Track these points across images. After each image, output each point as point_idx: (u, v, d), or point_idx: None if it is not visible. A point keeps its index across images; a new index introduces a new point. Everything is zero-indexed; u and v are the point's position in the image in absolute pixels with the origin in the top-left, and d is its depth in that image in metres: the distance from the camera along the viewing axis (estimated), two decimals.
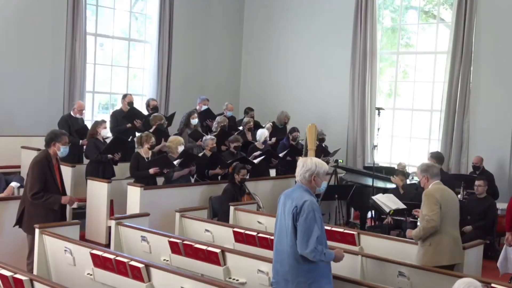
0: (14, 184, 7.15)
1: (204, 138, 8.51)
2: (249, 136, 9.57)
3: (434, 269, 5.03)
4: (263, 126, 9.96)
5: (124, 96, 9.41)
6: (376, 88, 11.54)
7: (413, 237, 5.40)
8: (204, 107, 9.89)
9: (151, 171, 7.43)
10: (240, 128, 9.89)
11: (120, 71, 11.68)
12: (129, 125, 8.83)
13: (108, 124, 8.65)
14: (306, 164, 4.25)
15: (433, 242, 5.19)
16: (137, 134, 8.59)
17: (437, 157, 7.13)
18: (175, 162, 7.62)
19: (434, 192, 5.27)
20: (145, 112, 9.55)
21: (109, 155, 7.87)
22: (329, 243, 5.81)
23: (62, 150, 5.79)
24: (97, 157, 7.87)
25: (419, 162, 7.11)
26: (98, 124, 8.20)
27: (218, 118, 9.33)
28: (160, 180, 7.88)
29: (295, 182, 4.43)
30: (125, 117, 8.89)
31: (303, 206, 4.03)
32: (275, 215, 7.07)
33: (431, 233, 5.19)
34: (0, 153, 8.83)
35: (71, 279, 5.12)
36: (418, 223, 5.45)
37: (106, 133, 8.26)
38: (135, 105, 9.49)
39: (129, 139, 8.67)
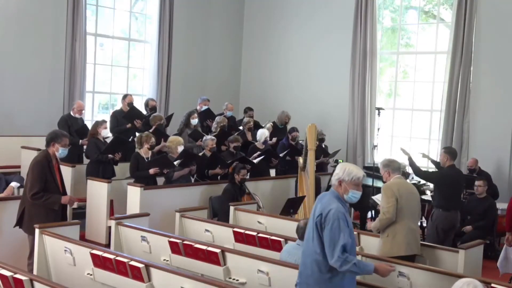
0: (14, 184, 7.14)
1: (204, 138, 8.51)
2: (249, 136, 9.57)
3: (434, 269, 5.04)
4: (263, 126, 9.96)
5: (125, 96, 9.41)
6: (376, 88, 11.54)
7: (372, 229, 5.74)
8: (204, 107, 9.89)
9: (151, 171, 7.43)
10: (240, 128, 9.89)
11: (120, 71, 11.68)
12: (129, 125, 8.84)
13: (108, 124, 8.65)
14: (338, 168, 4.07)
15: (390, 234, 5.49)
16: (137, 134, 8.59)
17: (450, 152, 7.16)
18: (175, 162, 7.62)
19: (392, 186, 5.55)
20: (145, 112, 9.55)
21: (110, 155, 7.87)
22: None
23: (60, 151, 5.77)
24: (98, 157, 7.87)
25: (419, 162, 7.15)
26: (98, 124, 8.21)
27: (217, 118, 9.32)
28: (160, 180, 7.88)
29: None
30: (125, 117, 8.89)
31: (327, 215, 3.86)
32: (275, 215, 7.16)
33: (387, 224, 5.49)
34: (0, 153, 8.83)
35: (71, 279, 5.12)
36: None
37: (107, 133, 8.26)
38: (136, 106, 9.48)
39: (130, 139, 8.66)
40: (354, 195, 3.99)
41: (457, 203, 7.17)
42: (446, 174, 7.08)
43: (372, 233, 6.45)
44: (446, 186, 6.99)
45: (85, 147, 8.37)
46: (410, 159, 7.46)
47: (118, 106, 10.01)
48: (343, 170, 4.00)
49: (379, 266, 4.06)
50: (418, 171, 7.31)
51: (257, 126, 10.05)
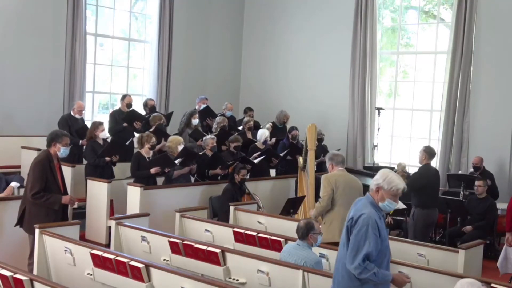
0: (14, 184, 7.14)
1: (204, 137, 8.50)
2: (249, 135, 9.57)
3: (434, 269, 5.04)
4: (262, 126, 9.96)
5: (123, 97, 9.39)
6: (376, 88, 11.54)
7: (312, 216, 6.17)
8: (203, 106, 9.88)
9: (152, 170, 7.43)
10: (240, 128, 9.89)
11: (120, 71, 11.68)
12: (125, 124, 8.79)
13: (106, 125, 8.64)
14: (379, 174, 3.98)
15: (327, 221, 6.01)
16: (136, 135, 8.58)
17: (429, 152, 7.35)
18: (176, 161, 7.62)
19: (330, 177, 6.06)
20: (143, 112, 9.55)
21: (107, 158, 7.85)
22: None
23: (62, 151, 5.80)
24: (95, 161, 7.86)
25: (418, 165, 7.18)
26: (95, 127, 8.14)
27: (217, 119, 9.33)
28: (160, 180, 7.88)
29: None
30: (125, 120, 8.86)
31: (358, 219, 3.77)
32: (275, 215, 7.16)
33: (322, 212, 6.04)
34: (0, 153, 8.83)
35: (71, 279, 5.12)
36: None
37: (105, 135, 8.22)
38: (135, 106, 9.47)
39: (128, 142, 8.62)
40: (390, 205, 3.89)
41: (435, 201, 7.32)
42: (422, 174, 7.23)
43: None
44: (423, 185, 7.14)
45: (85, 147, 8.36)
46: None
47: (118, 106, 10.00)
48: (384, 178, 3.90)
49: (397, 276, 3.94)
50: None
51: (257, 126, 10.05)
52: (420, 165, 7.42)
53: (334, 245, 5.33)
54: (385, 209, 3.91)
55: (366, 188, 8.87)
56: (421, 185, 7.14)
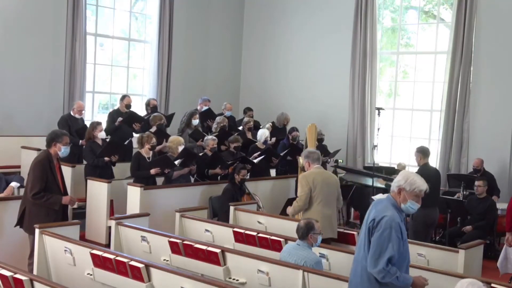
0: (14, 184, 7.14)
1: (205, 138, 8.50)
2: (249, 135, 9.57)
3: (434, 269, 5.04)
4: (262, 126, 9.96)
5: (123, 97, 9.37)
6: (376, 88, 11.53)
7: (289, 213, 6.44)
8: (205, 108, 9.89)
9: (152, 171, 7.43)
10: (240, 128, 9.89)
11: (120, 71, 11.68)
12: (119, 121, 8.76)
13: (104, 124, 8.62)
14: (401, 175, 3.91)
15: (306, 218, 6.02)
16: (135, 135, 8.57)
17: (422, 151, 7.36)
18: (176, 162, 7.62)
19: (308, 176, 6.15)
20: (145, 112, 9.53)
21: (106, 158, 7.84)
22: None
23: (63, 150, 5.80)
24: (94, 162, 7.85)
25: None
26: (93, 127, 8.10)
27: (217, 119, 9.33)
28: (160, 180, 7.88)
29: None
30: (124, 121, 8.84)
31: (380, 221, 3.71)
32: (275, 215, 7.16)
33: (300, 211, 6.20)
34: (0, 153, 8.83)
35: (71, 279, 5.12)
36: None
37: (103, 135, 8.21)
38: (135, 106, 9.46)
39: (126, 142, 8.60)
40: (413, 206, 3.86)
41: (435, 200, 7.26)
42: (421, 174, 7.18)
43: None
44: None
45: (83, 148, 8.35)
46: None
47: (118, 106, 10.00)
48: (406, 179, 3.84)
49: (416, 280, 3.87)
50: None
51: (257, 126, 10.05)
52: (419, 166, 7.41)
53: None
54: (408, 210, 3.88)
55: (366, 188, 8.93)
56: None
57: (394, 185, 3.91)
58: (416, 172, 7.33)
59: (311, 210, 6.08)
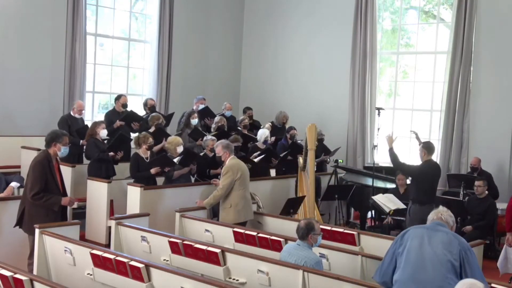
0: (14, 184, 7.13)
1: (204, 138, 8.49)
2: (245, 132, 9.57)
3: None
4: (262, 126, 9.96)
5: (119, 97, 9.31)
6: (376, 88, 11.54)
7: (205, 205, 6.80)
8: (201, 106, 9.87)
9: (153, 171, 7.42)
10: (240, 128, 9.88)
11: (120, 71, 11.68)
12: (117, 123, 8.75)
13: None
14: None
15: (233, 204, 6.68)
16: (133, 135, 8.57)
17: (428, 147, 7.31)
18: (175, 160, 7.61)
19: (232, 167, 6.70)
20: (143, 112, 9.52)
21: (111, 153, 7.85)
22: (329, 243, 5.85)
23: (62, 150, 5.79)
24: (99, 155, 7.85)
25: (419, 162, 7.17)
26: (97, 124, 8.17)
27: (216, 118, 9.32)
28: (160, 180, 7.87)
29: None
30: (123, 120, 8.83)
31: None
32: (275, 215, 7.15)
33: (220, 199, 6.72)
34: (0, 153, 8.83)
35: (71, 279, 5.12)
36: None
37: (105, 133, 8.23)
38: (135, 106, 9.45)
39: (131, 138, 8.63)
40: None
41: (432, 197, 7.26)
42: (423, 170, 7.18)
43: (372, 233, 6.46)
44: (423, 181, 7.12)
45: (86, 145, 8.35)
46: (391, 149, 7.50)
47: None
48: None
49: None
50: (397, 163, 7.46)
51: (257, 126, 10.03)
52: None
53: (239, 225, 6.34)
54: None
55: (366, 188, 8.91)
56: (420, 171, 7.14)
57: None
58: (417, 168, 7.35)
59: (234, 195, 6.66)
